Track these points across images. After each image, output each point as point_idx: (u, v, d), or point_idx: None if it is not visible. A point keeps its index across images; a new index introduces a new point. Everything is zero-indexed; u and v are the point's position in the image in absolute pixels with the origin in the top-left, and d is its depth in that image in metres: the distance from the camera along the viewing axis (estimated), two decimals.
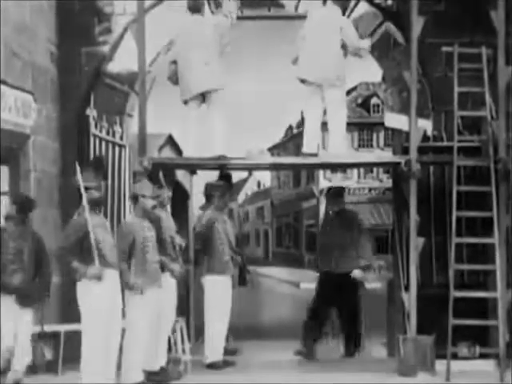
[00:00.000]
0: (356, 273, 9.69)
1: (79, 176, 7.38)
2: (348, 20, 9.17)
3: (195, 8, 9.09)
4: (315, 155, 9.18)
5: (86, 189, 7.36)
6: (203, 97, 9.06)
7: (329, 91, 8.97)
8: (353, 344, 9.97)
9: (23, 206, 7.95)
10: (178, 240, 8.67)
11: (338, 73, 8.96)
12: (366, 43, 9.26)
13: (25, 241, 7.96)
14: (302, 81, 9.07)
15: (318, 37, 8.88)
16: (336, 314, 10.18)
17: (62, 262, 7.42)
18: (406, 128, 9.30)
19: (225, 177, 9.82)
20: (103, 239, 7.38)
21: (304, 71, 9.00)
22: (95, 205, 7.49)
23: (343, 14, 9.19)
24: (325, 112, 9.16)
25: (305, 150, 9.19)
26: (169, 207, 9.31)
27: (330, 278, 9.84)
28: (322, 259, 10.10)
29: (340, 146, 9.16)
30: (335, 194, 10.41)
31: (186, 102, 9.11)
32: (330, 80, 8.90)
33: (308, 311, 10.04)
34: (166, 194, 8.75)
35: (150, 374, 7.99)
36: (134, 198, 8.08)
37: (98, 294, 7.21)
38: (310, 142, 9.19)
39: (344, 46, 8.96)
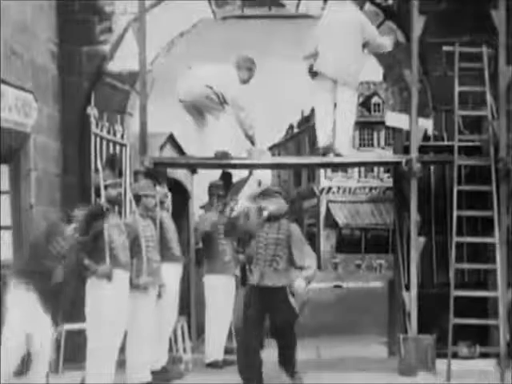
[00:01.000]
0: (297, 284, 7.77)
1: (100, 174, 7.39)
2: (366, 18, 9.21)
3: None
4: (331, 150, 9.14)
5: (104, 187, 7.37)
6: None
7: (341, 89, 9.00)
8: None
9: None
10: None
11: (354, 71, 8.99)
12: (389, 39, 9.30)
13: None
14: (313, 76, 9.10)
15: (338, 33, 8.90)
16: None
17: (73, 258, 7.35)
18: (406, 127, 9.30)
19: (225, 176, 9.83)
20: (116, 239, 7.38)
21: (322, 65, 9.00)
22: (112, 203, 7.50)
23: None
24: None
25: (321, 145, 9.14)
26: (170, 207, 9.33)
27: (255, 293, 7.89)
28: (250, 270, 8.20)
29: (346, 146, 9.17)
30: (270, 192, 8.40)
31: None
32: (344, 77, 8.94)
33: (239, 343, 8.09)
34: (162, 191, 8.77)
35: (151, 374, 8.00)
36: (137, 198, 8.09)
37: (106, 294, 7.19)
38: (326, 135, 9.17)
39: (364, 44, 9.00)
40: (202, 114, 9.09)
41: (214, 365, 9.17)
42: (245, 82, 9.02)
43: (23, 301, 6.60)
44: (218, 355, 9.25)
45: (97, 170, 7.70)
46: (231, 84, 8.84)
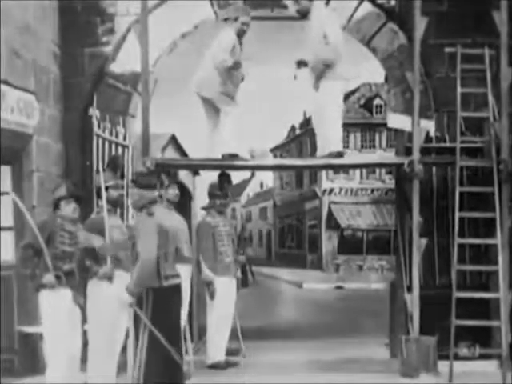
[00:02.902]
0: None
1: (101, 176, 7.39)
2: None
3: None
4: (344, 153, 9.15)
5: (105, 188, 7.37)
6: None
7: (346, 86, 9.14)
8: None
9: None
10: None
11: None
12: None
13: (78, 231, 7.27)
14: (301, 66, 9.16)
15: (339, 32, 9.02)
16: None
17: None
18: (408, 129, 9.30)
19: (223, 176, 9.82)
20: (117, 240, 7.38)
21: (347, 69, 9.05)
22: (114, 204, 7.49)
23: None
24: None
25: (338, 148, 9.12)
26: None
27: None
28: None
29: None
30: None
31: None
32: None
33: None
34: (173, 192, 8.78)
35: None
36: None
37: (107, 295, 7.20)
38: (339, 139, 9.19)
39: None
40: (217, 110, 9.11)
41: (215, 366, 9.17)
42: (240, 33, 9.09)
43: (61, 299, 6.79)
44: (220, 356, 9.25)
45: (98, 172, 7.70)
46: (228, 40, 8.98)
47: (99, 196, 7.49)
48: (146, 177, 7.02)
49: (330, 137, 9.04)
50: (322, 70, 8.95)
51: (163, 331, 6.49)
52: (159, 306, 6.50)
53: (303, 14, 9.14)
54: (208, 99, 9.09)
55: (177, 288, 6.70)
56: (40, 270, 6.80)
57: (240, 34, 9.05)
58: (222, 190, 9.53)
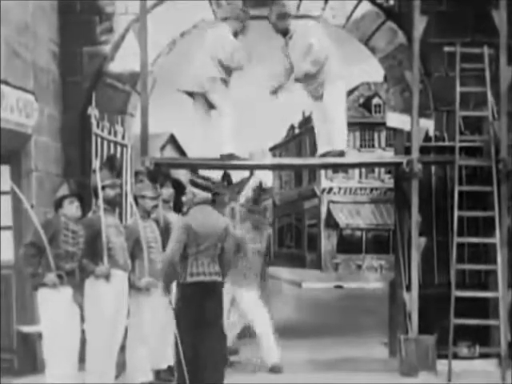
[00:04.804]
0: None
1: (98, 175, 7.39)
2: None
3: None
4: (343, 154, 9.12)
5: (102, 188, 7.37)
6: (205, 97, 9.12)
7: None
8: None
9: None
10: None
11: None
12: None
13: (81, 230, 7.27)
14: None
15: (327, 43, 9.07)
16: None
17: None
18: (407, 128, 9.31)
19: (224, 176, 9.83)
20: (114, 240, 7.38)
21: (344, 67, 9.13)
22: (110, 204, 7.49)
23: None
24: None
25: (343, 147, 9.10)
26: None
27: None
28: None
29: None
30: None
31: (190, 95, 9.16)
32: None
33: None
34: (168, 191, 8.77)
35: (157, 373, 7.99)
36: (135, 199, 8.09)
37: (104, 294, 7.20)
38: (343, 137, 9.17)
39: None
40: (208, 108, 9.10)
41: None
42: (237, 32, 9.06)
43: (61, 297, 6.82)
44: None
45: (94, 171, 7.70)
46: (225, 41, 8.89)
47: (96, 195, 7.49)
48: (204, 179, 7.22)
49: (335, 136, 9.04)
50: (304, 80, 9.01)
51: (184, 324, 6.92)
52: (182, 300, 6.89)
53: (283, 33, 9.15)
54: (202, 95, 9.05)
55: (201, 285, 6.91)
56: (42, 268, 6.80)
57: (235, 35, 9.05)
58: (225, 190, 9.55)
